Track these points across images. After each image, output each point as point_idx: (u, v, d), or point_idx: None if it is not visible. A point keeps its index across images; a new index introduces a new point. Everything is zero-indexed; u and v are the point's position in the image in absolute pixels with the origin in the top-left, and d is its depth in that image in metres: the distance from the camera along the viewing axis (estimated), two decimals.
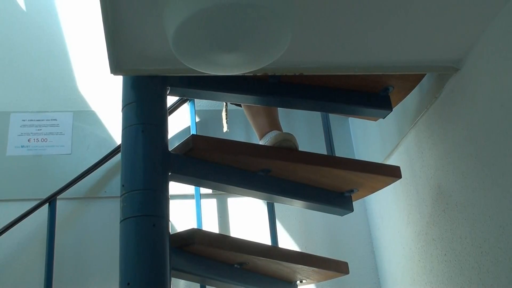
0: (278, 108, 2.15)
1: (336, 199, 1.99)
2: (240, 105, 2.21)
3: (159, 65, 1.61)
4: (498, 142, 1.62)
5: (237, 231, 2.65)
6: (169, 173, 1.64)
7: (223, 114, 2.27)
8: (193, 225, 2.56)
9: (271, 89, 1.85)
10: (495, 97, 1.63)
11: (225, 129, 2.27)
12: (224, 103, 2.29)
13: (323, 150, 2.25)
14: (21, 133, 2.80)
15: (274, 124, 2.04)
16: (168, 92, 1.75)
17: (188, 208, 2.68)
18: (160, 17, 1.36)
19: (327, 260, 1.97)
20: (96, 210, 2.65)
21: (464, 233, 1.82)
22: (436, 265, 2.03)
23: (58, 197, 2.51)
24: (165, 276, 1.48)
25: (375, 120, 2.22)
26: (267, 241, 2.32)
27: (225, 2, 1.20)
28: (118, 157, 2.66)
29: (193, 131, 2.72)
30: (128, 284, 1.45)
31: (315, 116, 2.84)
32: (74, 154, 2.76)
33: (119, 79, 1.76)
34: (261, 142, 2.01)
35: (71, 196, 2.63)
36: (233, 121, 2.77)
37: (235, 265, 1.85)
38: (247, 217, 2.71)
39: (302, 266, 1.90)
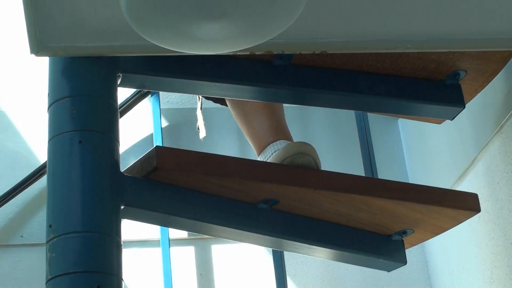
0: (286, 106, 2.16)
1: (380, 246, 2.00)
2: (224, 103, 2.21)
3: (106, 40, 1.62)
4: None
5: None
6: (122, 207, 1.64)
7: (198, 113, 2.28)
8: (158, 285, 2.56)
9: (277, 76, 1.86)
10: None
11: (202, 134, 2.28)
12: (198, 98, 2.30)
13: (359, 170, 2.25)
14: None
15: (280, 130, 2.05)
16: (119, 82, 1.76)
17: (152, 260, 2.67)
18: None
19: None
20: (8, 265, 2.65)
21: None
22: None
23: None
24: None
25: (439, 123, 2.23)
26: None
27: None
28: (42, 182, 2.66)
29: (157, 141, 2.72)
30: None
31: (346, 118, 2.85)
32: None
33: (43, 63, 1.77)
34: (260, 158, 2.02)
35: None
36: (218, 124, 2.78)
37: None
38: (242, 273, 2.71)
39: None
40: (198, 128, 2.31)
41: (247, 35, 1.38)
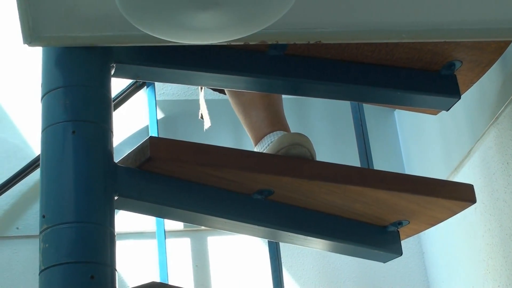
0: (283, 97, 2.16)
1: (376, 237, 2.00)
2: (223, 92, 2.22)
3: (99, 30, 1.61)
4: None
5: (222, 286, 2.65)
6: (115, 197, 1.64)
7: (201, 102, 2.28)
8: (154, 277, 2.56)
9: (272, 66, 1.86)
10: None
11: (206, 124, 2.27)
12: (200, 88, 2.29)
13: (355, 161, 2.25)
14: None
15: (277, 121, 2.05)
16: (113, 72, 1.76)
17: (147, 252, 2.67)
18: None
19: None
20: (4, 256, 2.65)
21: None
22: None
23: None
24: None
25: (435, 114, 2.23)
26: None
27: None
28: (38, 173, 2.66)
29: (153, 133, 2.72)
30: None
31: (342, 109, 2.85)
32: None
33: (36, 53, 1.77)
34: (257, 149, 2.01)
35: None
36: (215, 116, 2.78)
37: None
38: (238, 264, 2.71)
39: None
40: (202, 117, 2.31)
41: (240, 24, 1.38)
